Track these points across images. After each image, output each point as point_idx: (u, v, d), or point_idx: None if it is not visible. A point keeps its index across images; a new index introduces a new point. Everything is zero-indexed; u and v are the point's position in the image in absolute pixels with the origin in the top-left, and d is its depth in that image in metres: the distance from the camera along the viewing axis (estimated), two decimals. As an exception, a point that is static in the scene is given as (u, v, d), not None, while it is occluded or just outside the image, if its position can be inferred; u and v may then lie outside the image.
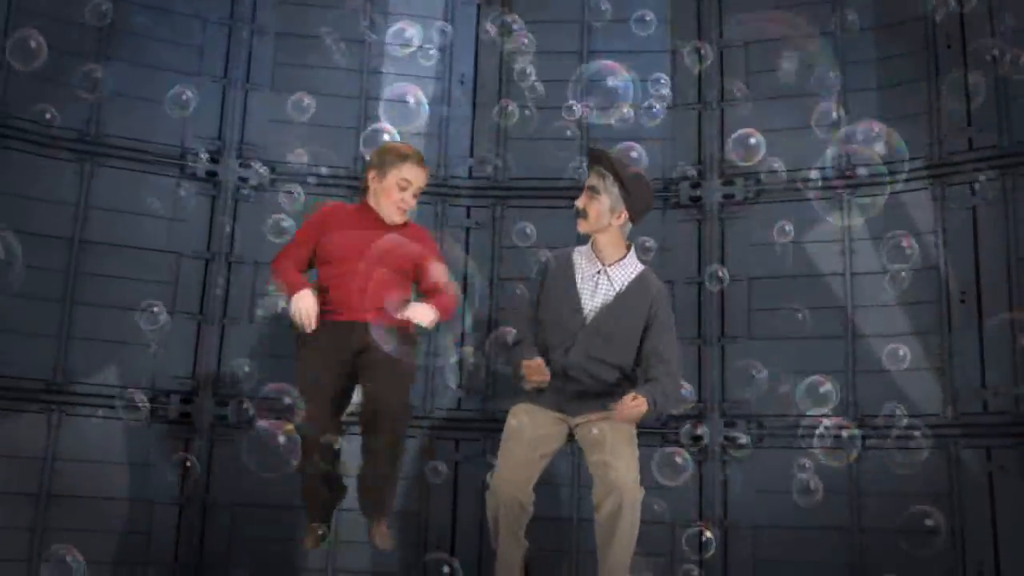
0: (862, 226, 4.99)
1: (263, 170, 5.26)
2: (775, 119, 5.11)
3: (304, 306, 3.95)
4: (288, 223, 4.55)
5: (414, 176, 4.14)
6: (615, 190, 3.95)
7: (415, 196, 4.17)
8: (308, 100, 4.64)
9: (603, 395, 3.87)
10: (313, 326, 3.96)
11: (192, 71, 5.22)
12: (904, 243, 4.44)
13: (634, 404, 3.66)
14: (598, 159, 4.02)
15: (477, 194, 5.44)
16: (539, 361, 3.84)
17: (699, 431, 5.07)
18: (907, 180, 4.87)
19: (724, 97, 5.33)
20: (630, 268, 4.02)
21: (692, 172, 5.30)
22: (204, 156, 5.18)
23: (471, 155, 5.48)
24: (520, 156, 5.44)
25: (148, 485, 4.92)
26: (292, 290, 4.01)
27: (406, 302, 4.05)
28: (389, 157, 4.15)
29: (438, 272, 4.16)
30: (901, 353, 4.57)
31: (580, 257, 4.05)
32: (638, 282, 3.99)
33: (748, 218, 5.21)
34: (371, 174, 4.17)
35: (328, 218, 4.17)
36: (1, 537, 4.64)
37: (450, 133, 5.48)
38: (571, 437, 4.01)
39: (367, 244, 3.99)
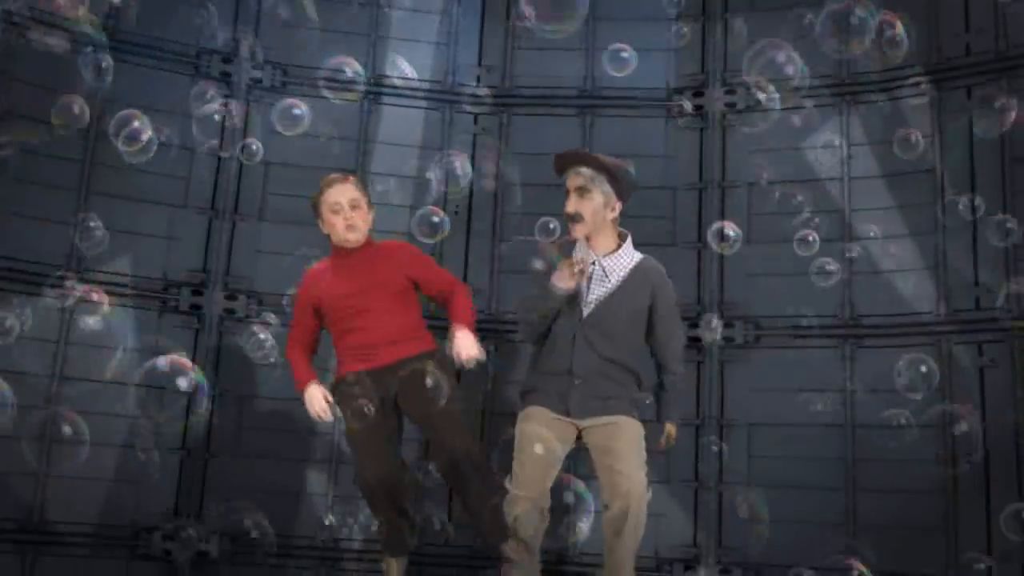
0: (860, 132, 5.11)
1: (276, 73, 5.38)
2: (778, 30, 5.21)
3: (315, 409, 4.02)
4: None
5: (338, 194, 4.06)
6: (604, 184, 3.90)
7: (354, 208, 4.07)
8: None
9: (609, 397, 3.87)
10: (329, 419, 4.04)
11: (207, -25, 5.35)
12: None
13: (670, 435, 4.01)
14: (579, 161, 3.94)
15: (484, 102, 5.54)
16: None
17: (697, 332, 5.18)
18: (905, 86, 4.98)
19: (728, 8, 5.44)
20: (626, 258, 3.95)
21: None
22: (218, 58, 5.30)
23: (479, 63, 5.59)
24: (528, 65, 5.55)
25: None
26: (299, 385, 4.08)
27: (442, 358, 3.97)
28: (316, 199, 4.14)
29: (437, 276, 4.14)
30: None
31: (577, 252, 3.98)
32: (636, 271, 3.94)
33: (749, 125, 5.32)
34: (319, 223, 4.17)
35: (312, 287, 4.15)
36: (16, 415, 4.75)
37: (459, 41, 5.58)
38: (578, 438, 3.99)
39: (354, 288, 4.02)
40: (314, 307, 4.13)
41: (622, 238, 4.00)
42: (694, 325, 5.19)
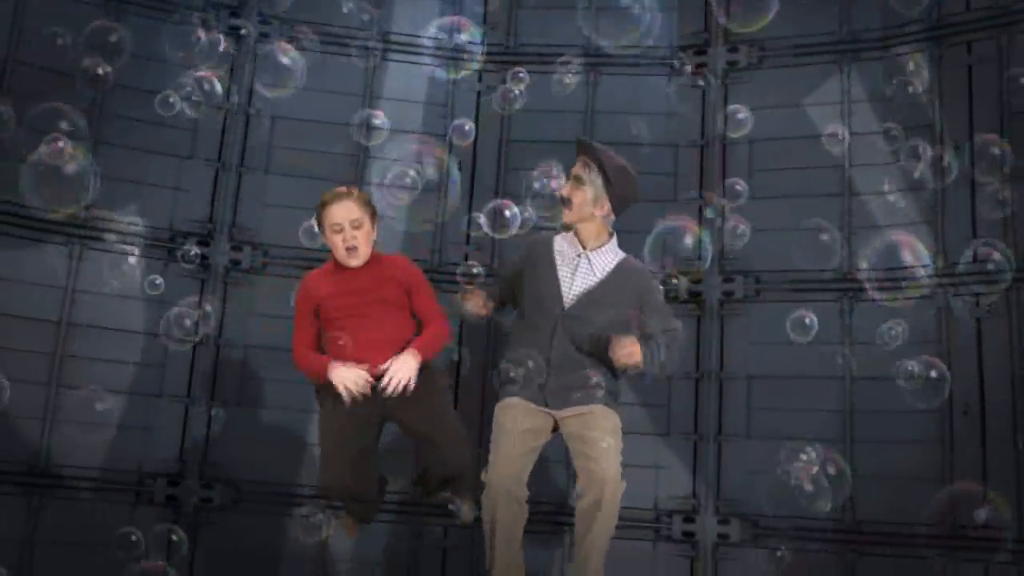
0: (860, 88, 5.15)
1: (284, 29, 5.45)
2: (780, -12, 5.26)
3: (347, 379, 3.83)
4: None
5: (339, 214, 3.92)
6: (599, 181, 3.92)
7: (356, 228, 3.93)
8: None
9: (586, 387, 3.87)
10: (365, 389, 3.84)
11: (210, -75, 5.41)
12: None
13: (630, 351, 3.73)
14: (585, 149, 3.98)
15: (489, 59, 5.58)
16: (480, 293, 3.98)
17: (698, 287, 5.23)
18: (905, 43, 5.02)
19: (730, -33, 5.49)
20: (611, 255, 3.98)
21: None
22: (226, 12, 5.37)
23: (484, 21, 5.64)
24: (532, 22, 5.60)
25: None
26: (324, 369, 3.89)
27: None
28: (318, 213, 4.01)
29: (426, 302, 4.07)
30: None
31: (562, 242, 4.02)
32: (619, 269, 3.97)
33: (751, 83, 5.37)
34: (322, 236, 4.08)
35: (311, 293, 4.03)
36: (23, 360, 4.82)
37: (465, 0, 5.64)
38: (556, 429, 4.00)
39: (353, 296, 3.95)
40: (314, 312, 4.03)
41: (610, 236, 4.04)
42: (695, 280, 5.23)
